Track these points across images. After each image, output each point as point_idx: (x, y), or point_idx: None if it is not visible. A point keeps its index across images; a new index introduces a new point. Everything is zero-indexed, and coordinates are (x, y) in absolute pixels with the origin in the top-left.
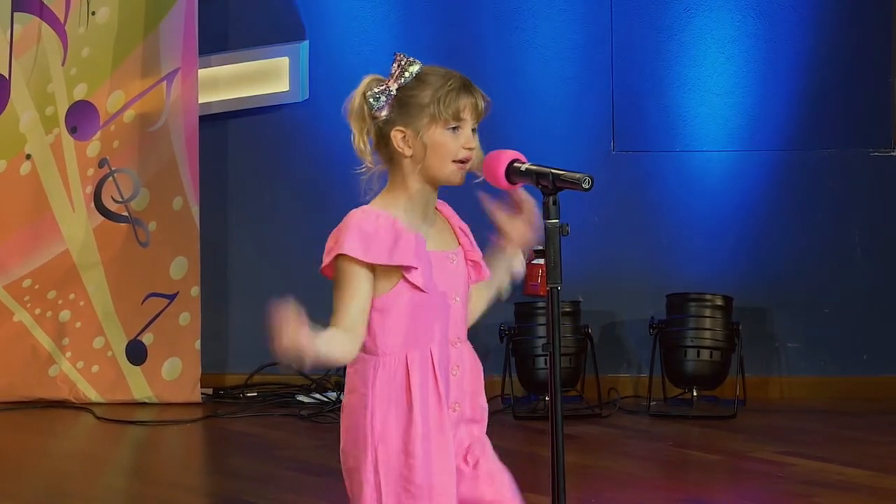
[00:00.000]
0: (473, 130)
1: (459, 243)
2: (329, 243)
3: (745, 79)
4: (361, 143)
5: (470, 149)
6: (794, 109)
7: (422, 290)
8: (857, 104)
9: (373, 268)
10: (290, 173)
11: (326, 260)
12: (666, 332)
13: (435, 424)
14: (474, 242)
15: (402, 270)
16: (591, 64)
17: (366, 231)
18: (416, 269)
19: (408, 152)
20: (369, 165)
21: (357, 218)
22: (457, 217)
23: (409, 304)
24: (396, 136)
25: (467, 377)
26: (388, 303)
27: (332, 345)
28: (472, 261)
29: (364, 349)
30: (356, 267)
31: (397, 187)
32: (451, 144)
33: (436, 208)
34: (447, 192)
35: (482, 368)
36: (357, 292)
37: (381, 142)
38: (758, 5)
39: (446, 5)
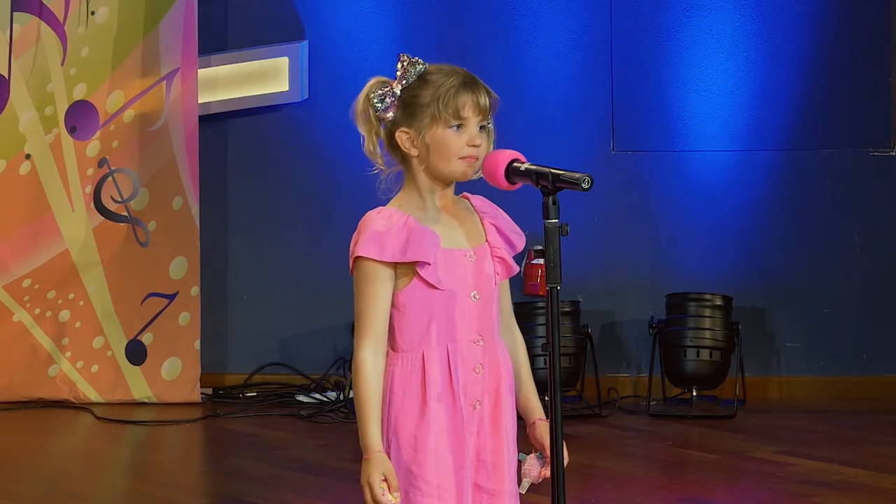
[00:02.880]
0: (482, 128)
1: (487, 239)
2: (351, 246)
3: (745, 79)
4: (371, 144)
5: (475, 146)
6: (794, 109)
7: (435, 287)
8: (857, 104)
9: (394, 266)
10: (289, 173)
11: (351, 263)
12: (665, 331)
13: (448, 422)
14: (512, 237)
15: (415, 267)
16: (591, 64)
17: (378, 230)
18: (429, 265)
19: (414, 152)
20: (381, 167)
21: (370, 219)
22: (493, 213)
23: (424, 300)
24: (401, 136)
25: (493, 375)
26: (403, 300)
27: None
28: (498, 257)
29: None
30: (375, 268)
31: (410, 185)
32: (454, 143)
33: (471, 203)
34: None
35: (511, 369)
36: (380, 295)
37: (391, 142)
38: (757, 5)
39: (446, 5)
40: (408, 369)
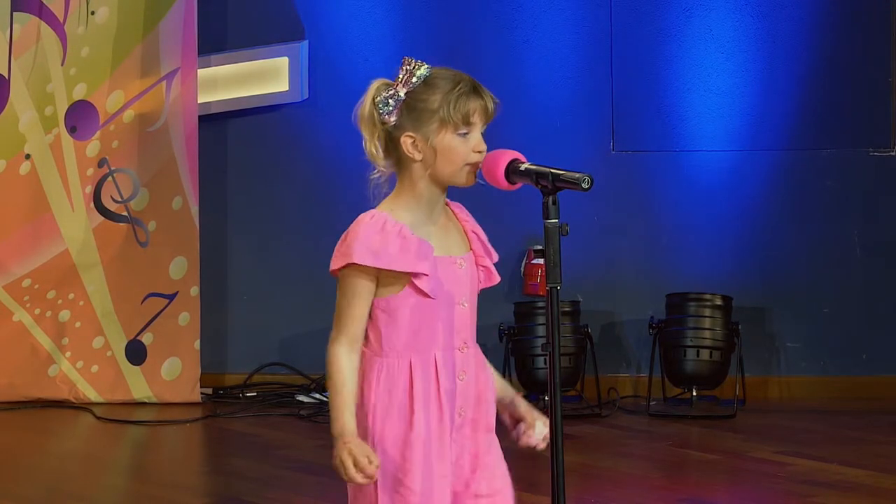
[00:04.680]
0: (482, 133)
1: (471, 248)
2: (338, 246)
3: (745, 78)
4: (373, 147)
5: (480, 151)
6: (794, 109)
7: (428, 296)
8: (857, 104)
9: (378, 271)
10: (289, 173)
11: (337, 264)
12: (665, 331)
13: (434, 431)
14: (489, 246)
15: (410, 276)
16: (591, 64)
17: (373, 237)
18: (424, 275)
19: (418, 157)
20: (382, 170)
21: (365, 224)
22: (472, 221)
23: (415, 308)
24: (406, 141)
25: (473, 383)
26: (395, 305)
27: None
28: (482, 266)
29: (369, 348)
30: (364, 274)
31: (406, 190)
32: (461, 149)
33: (451, 211)
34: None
35: (490, 375)
36: (365, 300)
37: (391, 145)
38: (758, 5)
39: (446, 5)
40: (394, 374)
